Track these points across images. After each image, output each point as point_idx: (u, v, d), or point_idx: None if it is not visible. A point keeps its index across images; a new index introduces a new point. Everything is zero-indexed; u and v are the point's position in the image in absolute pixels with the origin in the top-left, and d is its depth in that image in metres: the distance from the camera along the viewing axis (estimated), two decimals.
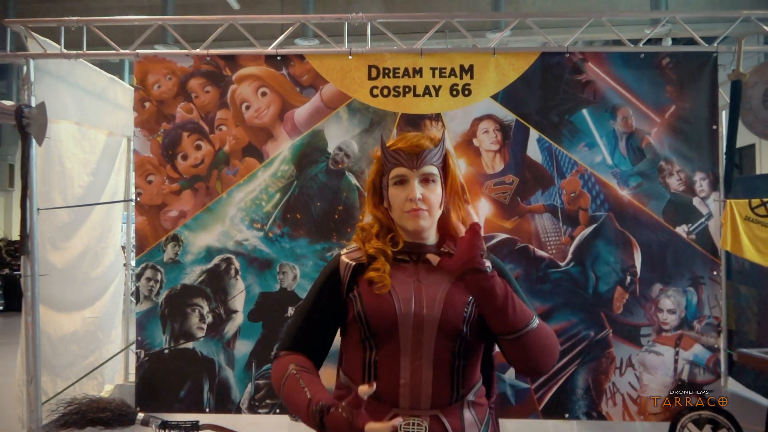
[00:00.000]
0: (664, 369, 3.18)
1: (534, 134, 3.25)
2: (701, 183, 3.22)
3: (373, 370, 1.32)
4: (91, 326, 3.90)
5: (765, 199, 3.11)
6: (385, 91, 3.27)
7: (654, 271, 3.20)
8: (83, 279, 3.84)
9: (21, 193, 3.16)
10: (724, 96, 3.39)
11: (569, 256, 3.22)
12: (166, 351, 3.26)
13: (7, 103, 3.06)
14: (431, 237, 1.39)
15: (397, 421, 1.23)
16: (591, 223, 3.22)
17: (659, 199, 3.22)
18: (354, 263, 1.37)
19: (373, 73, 3.27)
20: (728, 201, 3.15)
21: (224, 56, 3.33)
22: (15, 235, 12.72)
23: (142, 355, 3.26)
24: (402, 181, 1.35)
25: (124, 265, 4.49)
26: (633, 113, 3.24)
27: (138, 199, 3.32)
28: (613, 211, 3.22)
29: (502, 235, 3.24)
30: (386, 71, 3.27)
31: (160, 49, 5.53)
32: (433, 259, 1.32)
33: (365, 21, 3.33)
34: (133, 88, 3.53)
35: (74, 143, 3.69)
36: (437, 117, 3.26)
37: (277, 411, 3.24)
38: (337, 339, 1.44)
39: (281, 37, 3.39)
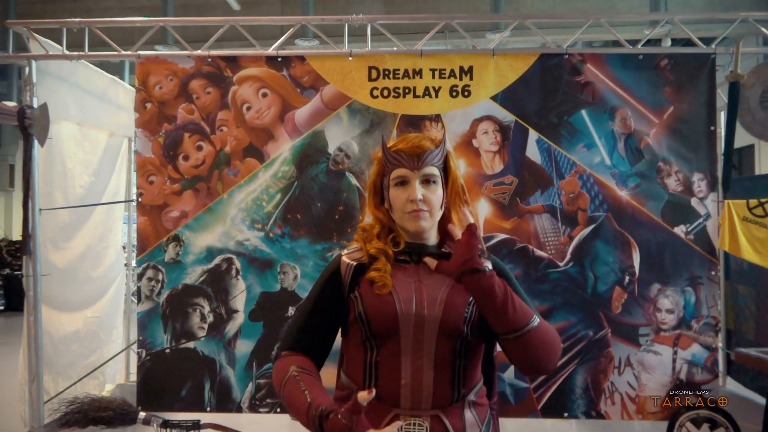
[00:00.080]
0: (663, 368, 3.20)
1: (533, 135, 3.27)
2: (699, 183, 3.24)
3: (374, 371, 1.32)
4: (93, 326, 3.92)
5: (763, 200, 3.13)
6: (385, 92, 3.28)
7: (652, 271, 3.21)
8: (84, 279, 3.85)
9: (23, 193, 3.17)
10: (722, 97, 3.41)
11: (568, 256, 3.23)
12: (168, 350, 3.28)
13: (10, 104, 3.08)
14: (432, 237, 1.39)
15: (397, 424, 1.24)
16: (590, 224, 3.24)
17: (658, 199, 3.24)
18: (355, 263, 1.37)
19: (374, 74, 3.29)
20: (726, 201, 3.17)
21: (225, 57, 3.34)
22: (16, 235, 12.73)
23: (144, 355, 3.28)
24: (403, 182, 1.35)
25: (125, 265, 4.51)
26: (631, 114, 3.25)
27: (139, 199, 3.33)
28: (612, 211, 3.24)
29: (502, 236, 3.25)
30: (386, 72, 3.29)
31: (161, 50, 5.55)
32: (431, 262, 1.32)
33: (365, 22, 3.34)
34: (133, 89, 3.55)
35: (75, 144, 3.71)
36: (437, 118, 3.28)
37: (278, 410, 3.26)
38: (338, 339, 1.44)
39: (282, 39, 3.40)
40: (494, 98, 3.27)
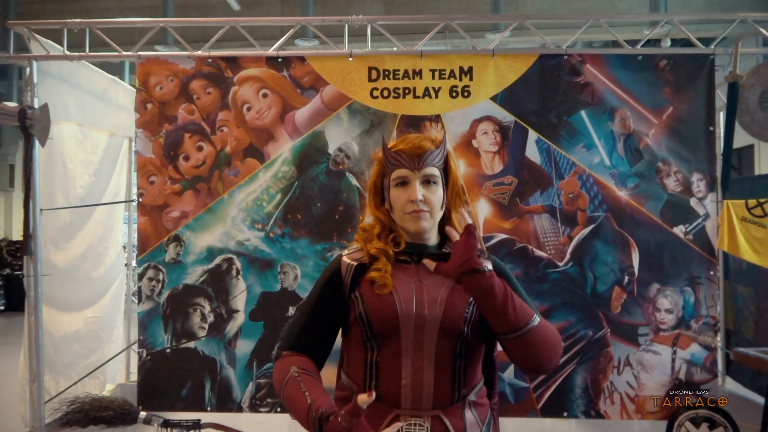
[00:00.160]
0: (662, 368, 3.21)
1: (533, 135, 3.28)
2: (698, 184, 3.25)
3: (375, 371, 1.32)
4: (93, 326, 3.93)
5: (761, 200, 3.14)
6: (385, 93, 3.29)
7: (651, 271, 3.22)
8: (85, 279, 3.86)
9: (24, 193, 3.18)
10: (721, 97, 3.42)
11: (567, 256, 3.24)
12: (168, 350, 3.29)
13: (11, 104, 3.08)
14: (433, 238, 1.39)
15: (398, 425, 1.24)
16: (589, 224, 3.25)
17: (657, 199, 3.25)
18: (356, 263, 1.37)
19: (374, 74, 3.30)
20: (725, 201, 3.18)
21: (225, 58, 3.35)
22: (16, 235, 12.73)
23: (144, 355, 3.28)
24: (403, 183, 1.34)
25: (125, 265, 4.52)
26: (631, 115, 3.26)
27: (140, 199, 3.34)
28: (611, 211, 3.24)
29: (501, 236, 3.26)
30: (386, 73, 3.29)
31: (161, 50, 5.56)
32: (430, 264, 1.31)
33: (365, 23, 3.35)
34: (134, 89, 3.56)
35: (76, 144, 3.72)
36: (437, 118, 3.29)
37: (278, 410, 3.27)
38: (338, 340, 1.44)
39: (282, 39, 3.41)
40: (494, 99, 3.28)
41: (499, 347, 1.36)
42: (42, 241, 3.25)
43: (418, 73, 3.29)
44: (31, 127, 3.04)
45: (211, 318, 3.29)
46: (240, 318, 3.29)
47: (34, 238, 3.18)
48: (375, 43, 3.46)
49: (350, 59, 3.29)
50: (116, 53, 3.42)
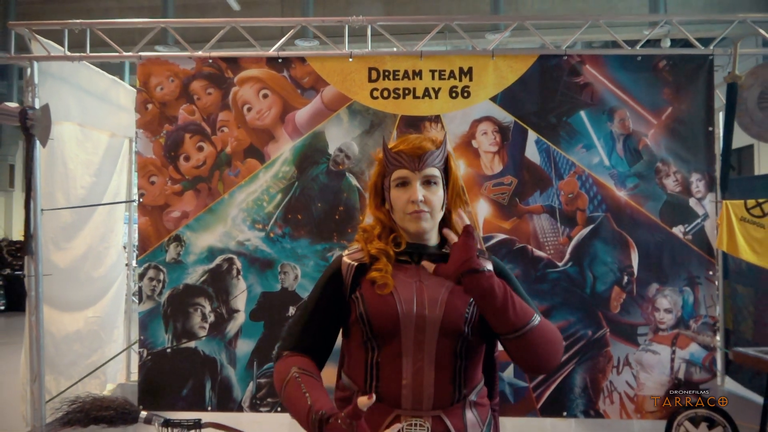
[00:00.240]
0: (661, 368, 3.22)
1: (532, 136, 3.29)
2: (697, 184, 3.26)
3: (376, 372, 1.32)
4: (94, 326, 3.93)
5: (760, 200, 3.15)
6: (385, 93, 3.30)
7: (651, 271, 3.23)
8: (86, 279, 3.87)
9: (25, 194, 3.19)
10: (720, 98, 3.42)
11: (567, 256, 3.25)
12: (169, 350, 3.29)
13: (12, 105, 3.09)
14: (433, 238, 1.39)
15: (398, 426, 1.24)
16: (588, 224, 3.26)
17: (656, 199, 3.25)
18: (356, 264, 1.37)
19: (374, 75, 3.31)
20: (724, 202, 3.18)
21: (226, 58, 3.36)
22: (16, 235, 12.73)
23: (145, 354, 3.29)
24: (404, 183, 1.34)
25: (126, 265, 4.53)
26: (630, 115, 3.27)
27: (141, 199, 3.35)
28: (611, 211, 3.25)
29: (501, 236, 3.27)
30: (386, 73, 3.30)
31: (161, 50, 5.57)
32: (429, 266, 1.31)
33: (365, 24, 3.36)
34: (134, 90, 3.57)
35: (77, 144, 3.72)
36: (437, 119, 3.30)
37: (279, 409, 3.27)
38: (338, 341, 1.44)
39: (282, 40, 3.42)
40: (494, 99, 3.29)
41: (499, 347, 1.36)
42: (43, 241, 3.26)
43: (418, 74, 3.30)
44: (32, 127, 3.05)
45: (211, 318, 3.29)
46: (240, 318, 3.29)
47: (35, 239, 3.19)
48: (375, 44, 3.47)
49: (350, 60, 3.30)
50: (117, 54, 3.43)
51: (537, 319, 1.25)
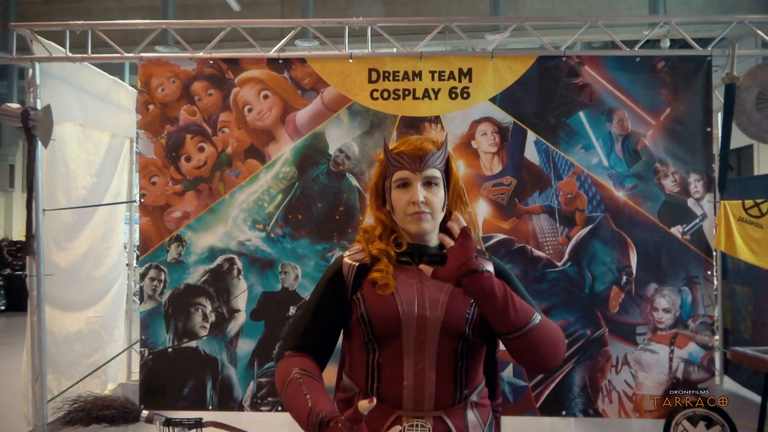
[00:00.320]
0: (659, 367, 3.23)
1: (531, 136, 3.30)
2: (696, 184, 3.27)
3: (377, 372, 1.33)
4: (95, 325, 3.95)
5: (758, 201, 3.17)
6: (385, 94, 3.31)
7: (649, 271, 3.25)
8: (87, 279, 3.88)
9: (26, 194, 3.20)
10: (718, 98, 3.44)
11: (566, 256, 3.27)
12: (170, 350, 3.31)
13: (14, 105, 3.11)
14: (434, 239, 1.38)
15: (399, 427, 1.25)
16: (587, 224, 3.27)
17: (654, 200, 3.27)
18: (357, 264, 1.37)
19: (374, 76, 3.32)
20: (722, 202, 3.20)
21: (227, 60, 3.37)
22: (16, 235, 12.74)
23: (146, 354, 3.30)
24: (405, 184, 1.34)
25: (127, 264, 4.54)
26: (629, 116, 3.29)
27: (142, 200, 3.36)
28: (609, 212, 3.27)
29: (500, 236, 3.29)
30: (386, 74, 3.32)
31: (161, 50, 5.58)
32: (427, 270, 1.32)
33: (365, 25, 3.38)
34: (135, 90, 3.58)
35: (78, 145, 3.74)
36: (436, 119, 3.31)
37: (279, 409, 3.29)
38: (339, 341, 1.44)
39: (283, 41, 3.44)
40: (493, 100, 3.31)
41: (501, 347, 1.37)
42: (44, 242, 3.28)
43: (417, 75, 3.31)
44: (34, 128, 3.07)
45: (212, 317, 3.31)
46: (241, 317, 3.31)
47: (36, 239, 3.20)
48: (375, 45, 3.49)
49: (350, 61, 3.31)
50: (118, 55, 3.44)
51: (538, 318, 1.26)
